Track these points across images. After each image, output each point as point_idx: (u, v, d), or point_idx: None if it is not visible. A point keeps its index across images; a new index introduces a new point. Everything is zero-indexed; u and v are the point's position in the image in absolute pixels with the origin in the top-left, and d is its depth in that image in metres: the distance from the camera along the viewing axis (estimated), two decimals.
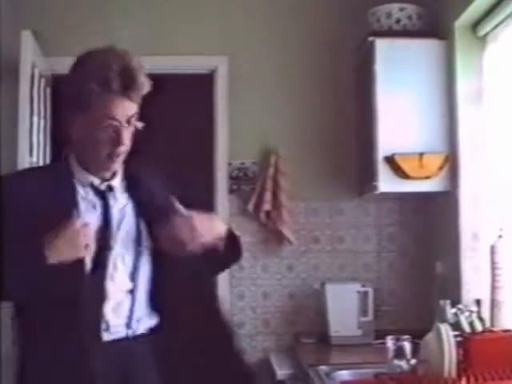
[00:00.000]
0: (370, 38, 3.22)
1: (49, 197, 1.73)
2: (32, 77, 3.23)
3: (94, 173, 1.82)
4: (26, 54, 3.16)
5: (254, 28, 3.70)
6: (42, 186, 1.76)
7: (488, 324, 2.61)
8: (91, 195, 1.82)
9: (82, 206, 1.78)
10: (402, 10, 3.27)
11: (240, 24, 3.70)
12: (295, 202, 3.62)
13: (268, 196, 3.55)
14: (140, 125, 1.80)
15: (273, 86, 3.67)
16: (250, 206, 3.58)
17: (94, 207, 1.80)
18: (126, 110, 1.75)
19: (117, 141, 1.75)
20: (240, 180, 3.66)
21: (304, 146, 3.65)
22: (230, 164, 3.66)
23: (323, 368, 2.64)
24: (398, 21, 3.26)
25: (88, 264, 1.69)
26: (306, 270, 3.65)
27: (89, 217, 1.75)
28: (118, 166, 1.84)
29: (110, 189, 1.84)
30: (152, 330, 1.79)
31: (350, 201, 3.66)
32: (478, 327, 2.46)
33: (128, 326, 1.75)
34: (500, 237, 2.76)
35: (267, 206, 3.55)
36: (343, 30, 3.61)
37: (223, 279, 3.61)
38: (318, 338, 3.43)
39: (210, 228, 1.79)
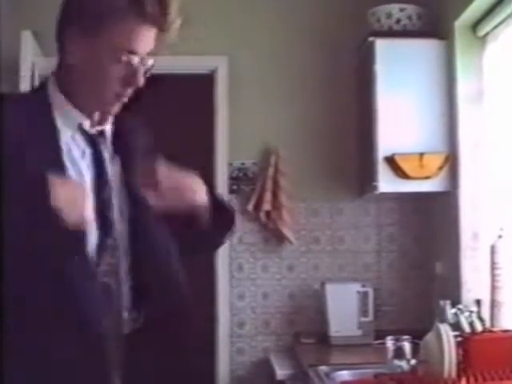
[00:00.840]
0: (370, 38, 3.22)
1: (25, 137, 1.37)
2: (32, 77, 3.24)
3: (86, 112, 1.48)
4: (26, 54, 3.16)
5: (254, 28, 3.70)
6: (16, 120, 1.37)
7: (488, 324, 2.61)
8: (79, 139, 1.47)
9: (68, 152, 1.43)
10: (402, 10, 3.27)
11: (240, 24, 3.70)
12: (295, 202, 3.62)
13: (268, 196, 3.55)
14: (151, 63, 1.53)
15: (273, 86, 3.67)
16: (250, 206, 3.59)
17: (83, 156, 1.47)
18: (149, 43, 1.48)
19: (133, 79, 1.46)
20: (240, 180, 3.66)
21: (304, 146, 3.65)
22: (230, 164, 3.66)
23: (323, 368, 2.64)
24: (398, 21, 3.26)
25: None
26: (306, 270, 3.65)
27: (78, 169, 1.44)
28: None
29: (101, 134, 1.51)
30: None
31: (350, 201, 3.66)
32: (478, 327, 2.46)
33: None
34: (500, 237, 2.76)
35: (267, 206, 3.55)
36: (343, 29, 3.61)
37: (223, 279, 3.62)
38: (317, 338, 3.43)
39: (188, 188, 1.50)
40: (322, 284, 3.45)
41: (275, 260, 3.65)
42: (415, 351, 2.25)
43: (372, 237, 3.67)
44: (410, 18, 3.27)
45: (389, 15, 3.26)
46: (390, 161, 3.12)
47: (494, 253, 2.75)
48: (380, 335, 2.81)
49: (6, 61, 3.39)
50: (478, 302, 2.70)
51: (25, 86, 3.17)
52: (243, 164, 3.66)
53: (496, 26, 2.93)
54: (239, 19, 3.71)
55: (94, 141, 1.49)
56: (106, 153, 1.51)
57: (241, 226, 3.55)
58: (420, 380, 2.13)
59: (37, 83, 3.32)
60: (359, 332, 3.36)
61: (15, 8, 3.52)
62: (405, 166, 3.10)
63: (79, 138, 1.47)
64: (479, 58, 3.08)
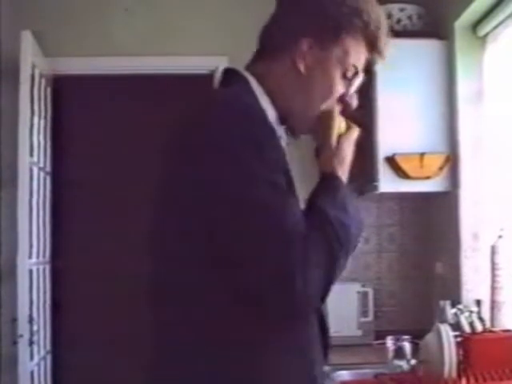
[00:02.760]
0: None
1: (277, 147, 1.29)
2: (32, 77, 3.23)
3: (283, 125, 1.42)
4: (26, 54, 3.16)
5: (254, 28, 3.67)
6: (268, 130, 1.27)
7: (488, 324, 2.61)
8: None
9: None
10: (402, 10, 3.27)
11: (240, 24, 3.69)
12: None
13: None
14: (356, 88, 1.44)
15: None
16: None
17: None
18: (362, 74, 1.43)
19: (349, 100, 1.42)
20: None
21: (304, 146, 3.64)
22: None
23: None
24: (398, 21, 3.26)
25: None
26: None
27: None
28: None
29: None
30: None
31: None
32: (478, 327, 2.47)
33: None
34: (500, 237, 2.76)
35: None
36: None
37: None
38: None
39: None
40: None
41: None
42: (415, 351, 2.25)
43: (372, 237, 3.67)
44: (410, 18, 3.27)
45: (389, 15, 3.26)
46: (391, 161, 3.12)
47: (494, 253, 2.75)
48: (380, 335, 2.81)
49: (6, 61, 3.40)
50: (478, 302, 2.70)
51: (25, 86, 3.17)
52: None
53: (496, 27, 2.93)
54: (239, 19, 3.70)
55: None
56: None
57: None
58: (420, 380, 2.13)
59: (37, 83, 3.32)
60: (359, 332, 3.36)
61: (15, 8, 3.52)
62: (405, 166, 3.10)
63: None
64: (479, 58, 3.08)
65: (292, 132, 1.46)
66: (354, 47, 1.39)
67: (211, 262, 1.23)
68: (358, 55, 1.40)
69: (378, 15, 1.43)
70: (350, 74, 1.40)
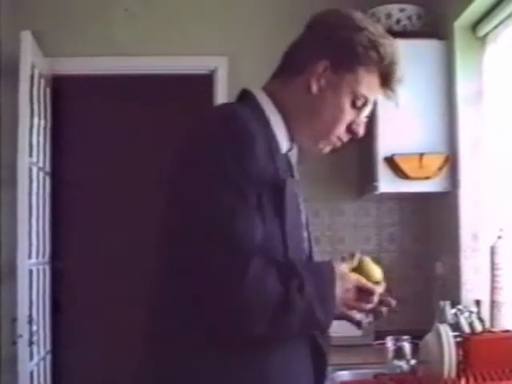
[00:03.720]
0: None
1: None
2: (32, 77, 3.24)
3: (290, 140, 1.46)
4: (26, 54, 3.16)
5: (254, 28, 3.70)
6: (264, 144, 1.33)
7: (488, 324, 2.61)
8: (284, 166, 1.42)
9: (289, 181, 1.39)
10: (401, 10, 3.27)
11: (240, 24, 3.70)
12: None
13: None
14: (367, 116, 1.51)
15: None
16: None
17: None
18: (371, 105, 1.50)
19: (356, 128, 1.47)
20: None
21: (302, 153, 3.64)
22: None
23: None
24: (397, 21, 3.26)
25: None
26: None
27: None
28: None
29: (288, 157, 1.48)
30: None
31: (351, 201, 3.66)
32: (478, 328, 2.47)
33: None
34: (500, 237, 2.76)
35: None
36: None
37: None
38: None
39: None
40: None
41: None
42: (415, 351, 2.25)
43: (372, 237, 3.67)
44: (409, 18, 3.27)
45: (388, 15, 3.26)
46: (390, 161, 3.12)
47: (494, 253, 2.75)
48: (380, 335, 2.81)
49: (6, 61, 3.40)
50: (478, 303, 2.71)
51: (24, 87, 3.17)
52: None
53: (496, 27, 2.93)
54: (239, 19, 3.70)
55: (289, 163, 1.48)
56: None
57: None
58: (420, 380, 2.13)
59: (37, 83, 3.32)
60: (359, 332, 3.35)
61: (15, 8, 3.52)
62: (405, 166, 3.10)
63: (283, 164, 1.44)
64: (479, 58, 3.08)
65: (302, 150, 1.50)
66: (366, 78, 1.45)
67: (172, 265, 1.32)
68: (369, 86, 1.46)
69: (394, 51, 1.48)
70: (359, 103, 1.45)
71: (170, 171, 1.36)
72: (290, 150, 1.47)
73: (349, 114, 1.45)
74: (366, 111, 1.49)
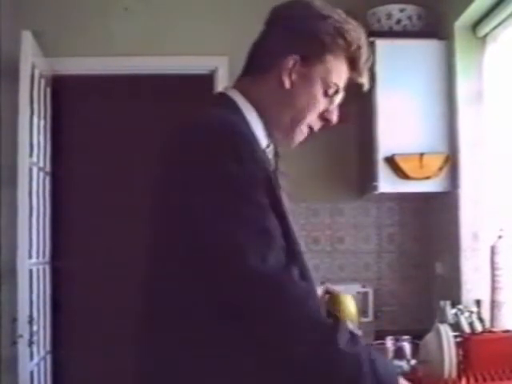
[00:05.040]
0: (371, 39, 3.20)
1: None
2: (32, 77, 3.23)
3: (269, 137, 1.49)
4: (26, 54, 3.16)
5: (254, 28, 3.69)
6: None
7: (488, 324, 2.61)
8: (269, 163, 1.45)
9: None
10: (402, 10, 3.27)
11: (240, 24, 3.69)
12: (295, 202, 3.61)
13: None
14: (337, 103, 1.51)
15: None
16: None
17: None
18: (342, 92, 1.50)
19: (329, 116, 1.50)
20: None
21: (304, 146, 3.64)
22: None
23: None
24: (398, 21, 3.26)
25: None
26: None
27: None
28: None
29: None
30: None
31: (351, 201, 3.66)
32: (478, 328, 2.47)
33: None
34: (500, 237, 2.76)
35: None
36: None
37: None
38: None
39: None
40: (322, 284, 3.44)
41: None
42: (415, 351, 2.25)
43: (372, 237, 3.67)
44: (410, 18, 3.27)
45: (389, 16, 3.26)
46: (390, 161, 3.12)
47: (494, 253, 2.75)
48: (380, 335, 2.81)
49: (6, 61, 3.39)
50: (478, 303, 2.71)
51: (25, 87, 3.16)
52: None
53: (496, 27, 2.93)
54: (239, 19, 3.70)
55: (275, 162, 1.52)
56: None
57: None
58: (420, 380, 2.13)
59: (37, 83, 3.32)
60: (359, 332, 3.35)
61: (15, 8, 3.52)
62: (405, 166, 3.10)
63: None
64: (479, 58, 3.08)
65: (277, 144, 1.53)
66: (335, 66, 1.46)
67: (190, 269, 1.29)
68: (339, 74, 1.47)
69: (360, 36, 1.49)
70: (331, 91, 1.47)
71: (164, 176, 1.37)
72: (268, 146, 1.49)
73: (322, 103, 1.47)
74: (338, 98, 1.50)
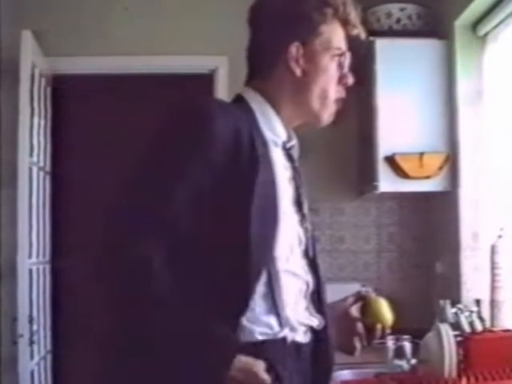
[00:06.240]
0: (370, 38, 3.21)
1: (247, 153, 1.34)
2: (32, 77, 3.23)
3: (288, 124, 1.51)
4: (26, 54, 3.16)
5: None
6: (239, 134, 1.35)
7: (488, 324, 2.61)
8: (283, 158, 1.48)
9: (282, 175, 1.43)
10: (402, 9, 3.27)
11: (240, 24, 3.66)
12: None
13: None
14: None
15: None
16: None
17: (285, 171, 1.47)
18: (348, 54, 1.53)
19: (346, 79, 1.51)
20: None
21: (304, 146, 3.64)
22: None
23: None
24: (398, 20, 3.26)
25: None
26: None
27: (285, 186, 1.44)
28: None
29: (289, 150, 1.51)
30: None
31: (351, 201, 3.66)
32: (478, 327, 2.47)
33: None
34: (500, 237, 2.76)
35: None
36: None
37: None
38: None
39: None
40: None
41: None
42: (415, 351, 2.25)
43: (372, 237, 3.67)
44: (410, 17, 3.27)
45: (389, 15, 3.26)
46: (390, 160, 3.12)
47: (494, 252, 2.75)
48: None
49: (6, 61, 3.39)
50: (478, 302, 2.70)
51: (25, 86, 3.17)
52: None
53: (496, 26, 2.93)
54: (239, 19, 3.68)
55: (291, 156, 1.52)
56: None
57: None
58: (420, 380, 2.13)
59: (37, 83, 3.32)
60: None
61: (15, 8, 3.52)
62: (405, 165, 3.10)
63: (280, 153, 1.48)
64: (479, 57, 3.08)
65: (317, 125, 1.56)
66: (332, 32, 1.49)
67: None
68: (338, 37, 1.50)
69: None
70: (338, 58, 1.50)
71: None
72: (288, 140, 1.50)
73: (335, 71, 1.50)
74: (347, 59, 1.52)
